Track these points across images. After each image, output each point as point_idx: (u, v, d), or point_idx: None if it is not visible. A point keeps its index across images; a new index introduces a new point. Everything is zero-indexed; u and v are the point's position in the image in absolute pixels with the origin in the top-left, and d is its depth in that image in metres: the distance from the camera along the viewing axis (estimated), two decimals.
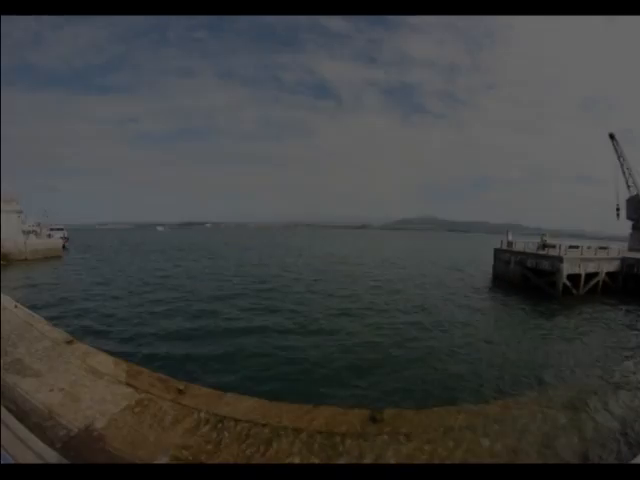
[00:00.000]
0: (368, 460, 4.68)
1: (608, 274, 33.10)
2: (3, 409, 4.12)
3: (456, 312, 24.48)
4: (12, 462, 3.25)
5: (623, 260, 33.91)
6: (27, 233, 56.64)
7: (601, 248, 35.22)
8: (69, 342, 8.14)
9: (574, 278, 31.11)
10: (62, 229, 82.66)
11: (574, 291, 30.92)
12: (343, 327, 19.68)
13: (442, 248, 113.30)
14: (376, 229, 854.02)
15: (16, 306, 10.70)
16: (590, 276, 31.98)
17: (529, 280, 34.10)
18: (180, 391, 6.35)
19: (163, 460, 4.48)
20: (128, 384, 6.48)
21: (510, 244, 40.42)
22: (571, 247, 34.64)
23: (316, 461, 4.68)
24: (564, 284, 30.61)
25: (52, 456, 3.66)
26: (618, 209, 43.68)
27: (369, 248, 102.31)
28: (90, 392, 6.08)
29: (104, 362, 7.35)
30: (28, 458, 3.48)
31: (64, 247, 64.97)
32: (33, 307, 17.75)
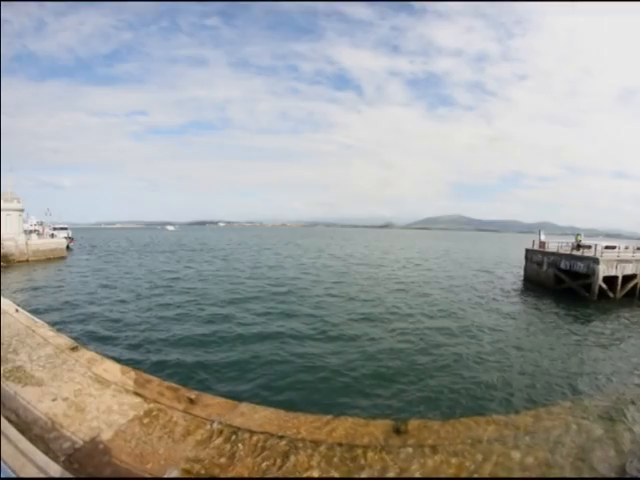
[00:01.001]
0: (391, 474, 4.67)
1: None
2: (3, 420, 4.19)
3: (485, 317, 24.19)
4: (13, 476, 3.30)
5: None
6: (29, 233, 57.71)
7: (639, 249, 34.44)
8: (73, 348, 8.30)
9: (611, 280, 30.59)
10: (66, 228, 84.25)
11: (611, 294, 30.38)
12: (365, 333, 19.58)
13: (470, 248, 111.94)
14: (400, 228, 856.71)
15: (17, 310, 10.97)
16: (628, 278, 31.24)
17: (563, 282, 33.59)
18: (191, 401, 6.41)
19: (173, 474, 4.52)
20: (136, 393, 6.57)
21: (543, 244, 40.13)
22: (607, 247, 34.10)
23: (336, 475, 4.69)
24: (600, 287, 30.11)
25: (55, 470, 3.71)
26: None
27: (392, 248, 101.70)
28: (96, 402, 6.18)
29: (110, 370, 7.47)
30: (30, 472, 3.53)
31: (68, 247, 66.08)
32: (35, 311, 18.17)
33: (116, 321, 21.26)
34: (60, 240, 61.68)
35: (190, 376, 13.46)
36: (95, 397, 6.31)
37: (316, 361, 15.49)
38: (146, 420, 5.75)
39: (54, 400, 6.07)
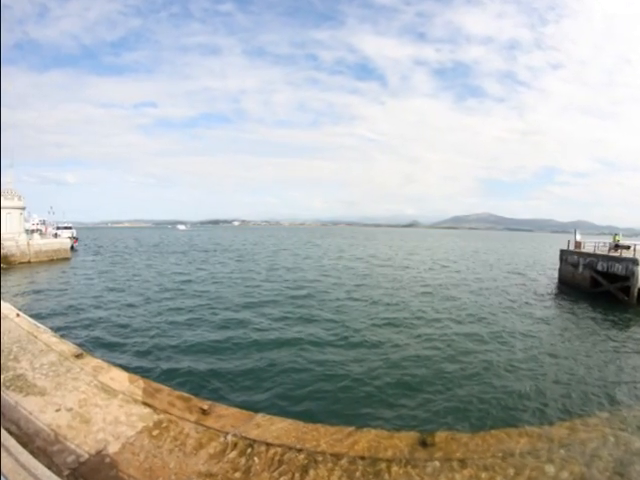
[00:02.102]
0: None
1: None
2: (3, 432, 4.24)
3: (517, 321, 24.08)
4: None
5: None
6: (30, 232, 58.71)
7: None
8: (78, 356, 8.40)
9: None
10: (70, 227, 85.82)
11: None
12: (388, 339, 19.55)
13: (501, 249, 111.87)
14: (426, 228, 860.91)
15: (18, 315, 11.15)
16: None
17: (600, 285, 33.20)
18: (204, 411, 6.43)
19: None
20: (145, 403, 6.62)
21: (578, 245, 40.04)
22: None
23: None
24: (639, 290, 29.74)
25: None
26: None
27: (418, 249, 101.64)
28: (102, 412, 6.23)
29: (118, 378, 7.54)
30: None
31: (72, 248, 67.13)
32: (37, 316, 18.50)
33: (124, 326, 21.53)
34: (64, 240, 62.53)
35: (203, 385, 13.57)
36: (101, 407, 6.37)
37: (337, 369, 15.49)
38: (156, 432, 5.78)
39: (58, 411, 6.13)
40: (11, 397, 6.26)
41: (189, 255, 70.74)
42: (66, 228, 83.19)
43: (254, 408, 7.48)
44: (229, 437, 5.60)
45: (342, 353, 17.42)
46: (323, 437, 5.60)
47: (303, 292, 32.68)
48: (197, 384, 13.53)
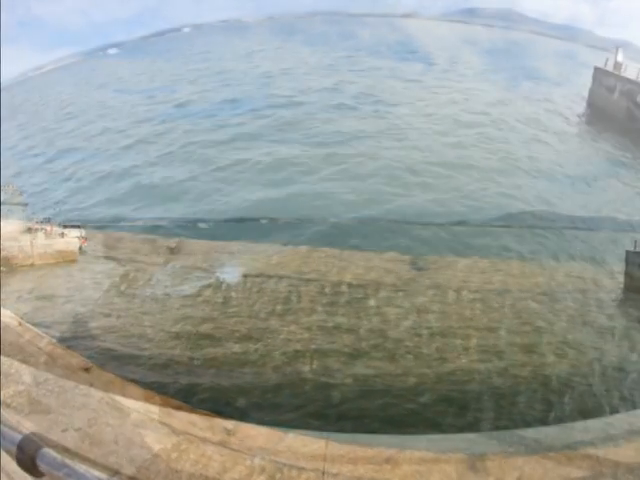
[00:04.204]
0: None
1: None
2: (4, 455, 4.32)
3: (577, 331, 23.65)
4: None
5: None
6: (34, 231, 59.78)
7: None
8: (87, 369, 8.53)
9: None
10: (79, 226, 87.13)
11: None
12: (434, 350, 19.42)
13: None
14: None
15: (20, 324, 11.39)
16: None
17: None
18: (228, 431, 6.45)
19: None
20: (162, 423, 6.67)
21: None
22: None
23: None
24: None
25: None
26: None
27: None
28: (114, 433, 6.30)
29: (131, 395, 7.62)
30: None
31: (81, 249, 68.28)
32: (41, 325, 18.88)
33: (138, 336, 21.82)
34: (72, 240, 63.16)
35: (226, 402, 13.67)
36: (113, 427, 6.44)
37: (376, 384, 15.44)
38: (174, 455, 5.81)
39: (64, 431, 6.22)
40: (12, 416, 6.36)
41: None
42: (74, 227, 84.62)
43: (284, 427, 7.49)
44: (256, 460, 5.60)
45: (382, 366, 17.34)
46: (361, 460, 5.56)
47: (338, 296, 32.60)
48: (220, 401, 13.64)
